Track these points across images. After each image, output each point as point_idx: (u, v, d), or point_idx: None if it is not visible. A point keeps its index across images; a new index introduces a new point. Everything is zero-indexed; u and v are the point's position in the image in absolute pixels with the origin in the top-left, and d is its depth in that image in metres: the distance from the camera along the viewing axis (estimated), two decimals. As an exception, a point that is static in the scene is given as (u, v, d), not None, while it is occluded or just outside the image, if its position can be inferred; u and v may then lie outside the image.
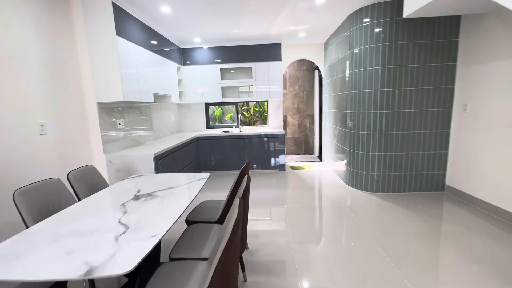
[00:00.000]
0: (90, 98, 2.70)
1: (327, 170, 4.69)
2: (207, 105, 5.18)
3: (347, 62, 3.52)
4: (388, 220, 2.64)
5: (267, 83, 4.67)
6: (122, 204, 1.47)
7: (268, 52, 4.60)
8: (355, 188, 3.58)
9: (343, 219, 2.71)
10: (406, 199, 3.17)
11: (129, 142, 3.28)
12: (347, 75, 3.56)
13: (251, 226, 2.61)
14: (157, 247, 1.58)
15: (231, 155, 4.64)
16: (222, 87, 4.76)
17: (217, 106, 6.04)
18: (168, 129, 4.64)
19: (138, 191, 1.69)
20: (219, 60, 4.65)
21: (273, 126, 5.15)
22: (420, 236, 2.32)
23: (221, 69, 4.72)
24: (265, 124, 5.38)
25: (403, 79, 3.10)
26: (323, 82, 5.00)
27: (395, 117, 3.18)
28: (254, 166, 4.65)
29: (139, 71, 3.04)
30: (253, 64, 4.63)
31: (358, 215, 2.76)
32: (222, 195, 3.48)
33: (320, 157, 5.75)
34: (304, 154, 6.19)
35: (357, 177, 3.53)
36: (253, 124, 6.05)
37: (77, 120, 2.58)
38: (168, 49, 4.07)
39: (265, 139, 4.55)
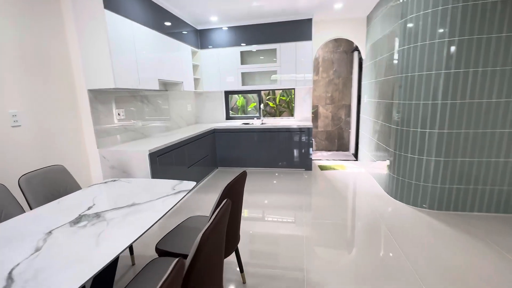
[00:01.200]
0: (81, 85, 2.37)
1: (363, 172, 3.90)
2: (227, 93, 4.68)
3: (397, 36, 2.68)
4: (447, 253, 1.88)
5: (294, 68, 3.98)
6: (49, 232, 1.04)
7: (296, 30, 3.88)
8: (400, 201, 2.80)
9: (379, 246, 2.02)
10: (474, 222, 2.32)
11: (132, 135, 2.95)
12: (395, 54, 2.73)
13: (252, 247, 2.08)
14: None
15: (249, 151, 4.12)
16: (242, 73, 4.20)
17: (239, 95, 5.52)
18: (184, 120, 4.27)
19: (89, 208, 1.26)
20: (239, 42, 4.08)
21: (300, 118, 4.47)
22: (495, 282, 1.55)
23: (242, 52, 4.14)
24: (292, 115, 4.72)
25: (481, 56, 2.20)
26: (364, 65, 4.12)
27: (465, 109, 2.31)
28: (279, 164, 4.06)
29: (139, 54, 2.63)
30: (278, 46, 3.97)
31: (402, 241, 2.04)
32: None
33: (355, 155, 4.91)
34: (337, 150, 5.40)
35: (403, 187, 2.75)
36: (279, 116, 5.42)
37: (65, 110, 2.28)
38: (181, 30, 3.62)
39: (290, 133, 3.92)
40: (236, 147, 4.15)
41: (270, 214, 2.64)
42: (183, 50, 3.64)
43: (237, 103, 5.47)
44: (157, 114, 3.50)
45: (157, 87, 2.95)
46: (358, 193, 3.15)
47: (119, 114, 2.75)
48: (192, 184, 1.57)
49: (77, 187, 1.75)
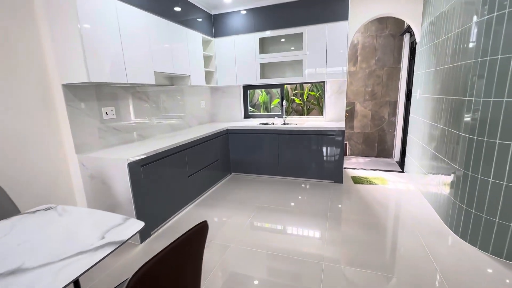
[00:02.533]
0: (54, 79, 1.99)
1: (412, 190, 3.01)
2: (246, 88, 4.10)
3: (474, 3, 1.80)
4: None
5: (324, 56, 3.22)
6: None
7: (327, 8, 3.11)
8: (471, 243, 1.94)
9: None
10: None
11: (123, 138, 2.55)
12: (472, 28, 1.85)
13: (251, 302, 1.48)
14: None
15: (267, 155, 3.50)
16: (261, 64, 3.57)
17: (262, 90, 4.89)
18: (196, 118, 3.81)
19: None
20: (257, 27, 3.45)
21: (330, 117, 3.69)
22: None
23: (260, 39, 3.51)
24: (322, 114, 3.95)
25: None
26: (418, 51, 3.18)
27: None
28: (303, 173, 3.38)
29: (127, 41, 2.18)
30: (304, 29, 3.24)
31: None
32: (235, 214, 2.43)
33: (401, 164, 3.97)
34: (376, 157, 4.49)
35: (476, 224, 1.89)
36: (307, 114, 4.68)
37: (35, 108, 1.92)
38: (190, 15, 3.11)
39: (316, 136, 3.20)
40: (252, 151, 3.56)
41: (279, 248, 2.01)
42: (192, 38, 3.14)
43: (259, 99, 4.86)
44: (161, 113, 3.08)
45: (152, 81, 2.49)
46: (405, 223, 2.34)
47: (106, 113, 2.35)
48: (135, 228, 1.03)
49: (13, 212, 1.34)
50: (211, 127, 3.48)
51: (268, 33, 3.41)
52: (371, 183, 3.21)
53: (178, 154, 2.55)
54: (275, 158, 3.47)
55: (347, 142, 4.63)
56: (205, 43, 3.70)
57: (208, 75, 3.78)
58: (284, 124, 3.75)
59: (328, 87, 3.62)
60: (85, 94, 2.16)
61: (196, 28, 3.25)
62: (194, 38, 3.19)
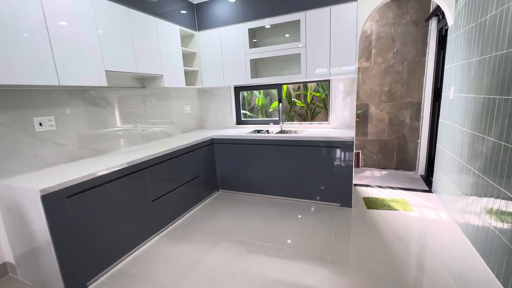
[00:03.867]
0: (-46, 81, 1.51)
1: (445, 221, 2.29)
2: (238, 89, 3.52)
3: None
4: None
5: (327, 49, 2.58)
6: None
7: (330, -13, 2.47)
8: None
9: None
10: None
11: (72, 153, 2.04)
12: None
13: None
14: None
15: (260, 170, 2.89)
16: (251, 61, 2.98)
17: (261, 92, 4.29)
18: (179, 126, 3.28)
19: None
20: (246, 16, 2.86)
21: (337, 124, 3.03)
22: None
23: (250, 31, 2.92)
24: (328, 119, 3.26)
25: None
26: (450, 38, 2.46)
27: None
28: (302, 193, 2.74)
29: (60, 29, 1.67)
30: (302, 15, 2.62)
31: None
32: (206, 254, 1.84)
33: (427, 180, 3.22)
34: (395, 169, 3.74)
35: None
36: (312, 119, 4.02)
37: None
38: (162, 1, 2.59)
39: (319, 148, 2.56)
40: (242, 164, 2.97)
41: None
42: (164, 30, 2.61)
43: (256, 102, 4.26)
44: (129, 121, 2.56)
45: (103, 83, 1.97)
46: (435, 274, 1.64)
47: (41, 124, 1.85)
48: None
49: None
50: (194, 137, 2.93)
51: (258, 23, 2.82)
52: (389, 207, 2.51)
53: (136, 174, 2.01)
54: (269, 174, 2.85)
55: (360, 151, 3.92)
56: (187, 38, 3.16)
57: (192, 75, 3.24)
58: (280, 132, 3.13)
59: (333, 87, 2.96)
60: (8, 101, 1.67)
61: (171, 19, 2.72)
62: (168, 31, 2.65)
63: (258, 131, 3.19)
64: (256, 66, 3.24)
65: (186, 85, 3.16)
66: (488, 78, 1.72)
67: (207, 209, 2.74)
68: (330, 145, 2.50)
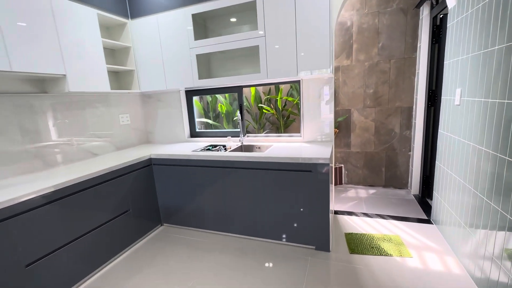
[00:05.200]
0: None
1: (455, 275, 1.66)
2: (190, 94, 2.82)
3: None
4: None
5: (292, 39, 1.93)
6: None
7: (293, -45, 1.84)
8: None
9: None
10: None
11: None
12: None
13: None
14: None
15: (212, 201, 2.20)
16: (199, 56, 2.29)
17: (227, 96, 3.61)
18: (112, 142, 2.53)
19: None
20: (189, -2, 2.19)
21: (311, 136, 2.38)
22: None
23: (196, 18, 2.23)
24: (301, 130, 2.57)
25: None
26: (451, 24, 1.86)
27: None
28: (265, 231, 2.06)
29: None
30: (259, -6, 1.97)
31: None
32: None
33: (422, 201, 2.62)
34: (384, 186, 3.15)
35: None
36: (285, 128, 3.37)
37: None
38: (62, -25, 1.86)
39: (285, 172, 1.89)
40: (190, 192, 2.26)
41: None
42: (73, 14, 1.88)
43: (219, 108, 3.57)
44: (24, 141, 1.80)
45: None
46: None
47: None
48: None
49: None
50: (130, 155, 2.20)
51: (204, 6, 2.14)
52: (380, 251, 1.87)
53: (8, 221, 1.26)
54: (223, 205, 2.16)
55: (342, 165, 3.30)
56: (116, 28, 2.44)
57: (125, 76, 2.52)
58: (240, 148, 2.45)
59: (305, 90, 2.32)
60: None
61: (88, 1, 1.99)
62: (76, 14, 1.92)
63: (213, 147, 2.50)
64: (209, 63, 2.55)
65: (115, 88, 2.44)
66: (504, 76, 1.11)
67: (139, 255, 2.01)
68: (299, 168, 1.83)
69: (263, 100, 3.47)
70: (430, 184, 2.72)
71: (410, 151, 2.95)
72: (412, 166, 2.90)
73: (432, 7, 2.44)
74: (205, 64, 2.48)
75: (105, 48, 2.37)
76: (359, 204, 2.73)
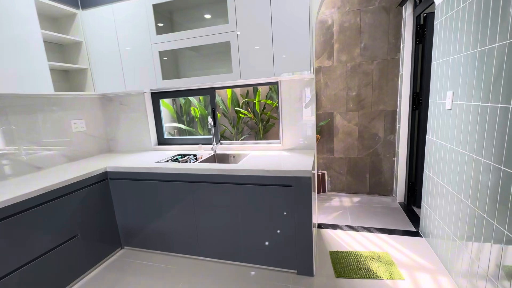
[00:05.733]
0: None
1: (449, 293, 1.49)
2: (157, 96, 2.51)
3: None
4: None
5: (268, 36, 1.70)
6: None
7: None
8: None
9: None
10: None
11: None
12: None
13: None
14: None
15: (179, 220, 1.90)
16: (163, 54, 1.99)
17: (201, 98, 3.32)
18: (63, 152, 2.16)
19: None
20: (149, -15, 1.89)
21: (291, 143, 2.15)
22: None
23: (156, 8, 1.94)
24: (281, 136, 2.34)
25: None
26: (439, 21, 1.71)
27: None
28: (240, 253, 1.79)
29: None
30: (229, -18, 1.72)
31: None
32: None
33: (408, 208, 2.48)
34: (369, 194, 2.99)
35: None
36: (265, 134, 3.14)
37: None
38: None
39: (261, 187, 1.64)
40: (154, 211, 1.95)
41: None
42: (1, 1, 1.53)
43: (193, 112, 3.27)
44: None
45: None
46: None
47: None
48: None
49: None
50: (83, 167, 1.85)
51: (167, -5, 1.85)
52: (369, 274, 1.66)
53: None
54: (193, 224, 1.87)
55: (325, 172, 3.12)
56: (65, 20, 2.10)
57: (77, 76, 2.17)
58: (212, 158, 2.18)
59: (284, 92, 2.09)
60: None
61: (14, -18, 1.64)
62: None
63: (183, 156, 2.20)
64: (177, 62, 2.26)
65: (65, 90, 2.09)
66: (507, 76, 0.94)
67: (94, 286, 1.67)
68: (277, 182, 1.59)
69: (240, 103, 3.22)
70: (415, 191, 2.59)
71: (394, 156, 2.82)
72: (396, 172, 2.77)
73: (415, 6, 2.32)
74: (172, 63, 2.19)
75: (49, 43, 2.03)
76: (343, 214, 2.54)
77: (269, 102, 2.92)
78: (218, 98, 3.25)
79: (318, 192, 3.12)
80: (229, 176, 1.68)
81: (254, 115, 3.07)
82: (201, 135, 3.31)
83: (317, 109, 2.98)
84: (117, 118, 2.57)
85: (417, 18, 2.31)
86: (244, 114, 3.02)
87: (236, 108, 3.06)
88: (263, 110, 3.09)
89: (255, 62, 1.75)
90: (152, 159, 2.12)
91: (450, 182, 1.58)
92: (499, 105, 1.13)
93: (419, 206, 2.55)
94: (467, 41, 1.37)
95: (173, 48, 1.91)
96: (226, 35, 1.77)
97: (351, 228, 2.25)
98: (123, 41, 2.01)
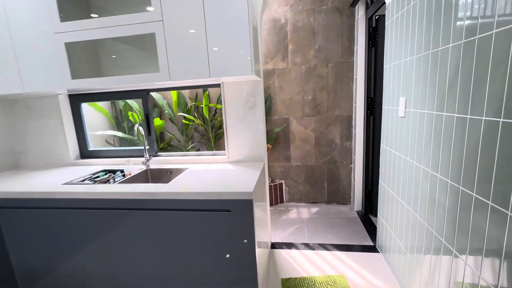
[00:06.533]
0: None
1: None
2: (76, 99, 2.06)
3: None
4: None
5: (201, 29, 1.40)
6: None
7: None
8: None
9: None
10: None
11: None
12: None
13: None
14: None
15: (96, 256, 1.49)
16: (68, 46, 1.58)
17: (140, 103, 2.89)
18: None
19: None
20: (48, -42, 1.47)
21: (239, 154, 1.88)
22: None
23: (59, -12, 1.53)
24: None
25: None
26: (390, 21, 1.58)
27: None
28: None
29: None
30: (150, -40, 1.39)
31: None
32: None
33: (365, 218, 2.37)
34: (327, 203, 2.86)
35: None
36: (217, 141, 2.84)
37: None
38: None
39: (194, 213, 1.32)
40: (62, 246, 1.52)
41: None
42: None
43: (130, 117, 2.82)
44: None
45: None
46: None
47: None
48: None
49: None
50: None
51: (72, -28, 1.46)
52: (322, 303, 1.45)
53: None
54: (112, 261, 1.48)
55: (283, 181, 2.91)
56: None
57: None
58: (144, 173, 1.81)
59: (228, 96, 1.81)
60: None
61: None
62: None
63: (106, 173, 1.80)
64: (96, 57, 1.85)
65: None
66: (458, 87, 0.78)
67: None
68: (213, 206, 1.30)
69: (189, 105, 2.86)
70: (372, 200, 2.50)
71: (351, 163, 2.72)
72: (354, 180, 2.66)
73: (367, 7, 2.22)
74: (88, 57, 1.78)
75: None
76: (300, 229, 2.34)
77: (219, 106, 2.62)
78: (163, 102, 2.86)
79: (276, 203, 2.90)
80: (153, 201, 1.34)
81: (203, 121, 2.75)
82: (138, 145, 2.88)
83: (272, 114, 2.77)
84: (25, 125, 2.05)
85: (369, 20, 2.21)
86: (188, 121, 2.68)
87: (180, 113, 2.70)
88: (214, 115, 2.78)
89: (187, 59, 1.45)
90: (65, 178, 1.68)
91: (406, 198, 1.44)
92: (455, 114, 0.98)
93: (376, 215, 2.46)
94: (419, 42, 1.23)
95: (84, 39, 1.51)
96: (149, 26, 1.43)
97: (307, 246, 2.04)
98: (16, 28, 1.55)
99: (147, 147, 1.96)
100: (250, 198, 1.25)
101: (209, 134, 2.79)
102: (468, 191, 0.92)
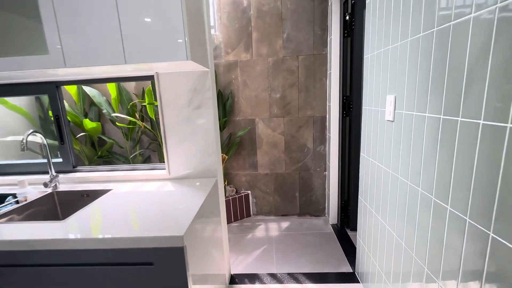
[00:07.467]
0: None
1: None
2: (-47, 96, 1.46)
3: None
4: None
5: (112, -13, 0.94)
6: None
7: None
8: None
9: None
10: None
11: None
12: None
13: None
14: None
15: None
16: None
17: (75, 99, 2.31)
18: None
19: None
20: None
21: (184, 168, 1.44)
22: None
23: None
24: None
25: None
26: (369, 1, 1.24)
27: None
28: None
29: None
30: None
31: None
32: None
33: (341, 234, 2.05)
34: (299, 215, 2.52)
35: None
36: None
37: None
38: None
39: (101, 268, 0.86)
40: None
41: None
42: None
43: (69, 117, 2.23)
44: None
45: None
46: None
47: None
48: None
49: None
50: None
51: None
52: None
53: None
54: None
55: (249, 192, 2.52)
56: None
57: None
58: (48, 198, 1.29)
59: (165, 91, 1.36)
60: None
61: None
62: None
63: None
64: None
65: None
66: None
67: None
68: (127, 259, 0.85)
69: (129, 106, 2.35)
70: (349, 212, 2.20)
71: (325, 170, 2.40)
72: (328, 190, 2.34)
73: (342, -11, 1.89)
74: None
75: None
76: (267, 252, 1.96)
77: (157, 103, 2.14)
78: (101, 99, 2.31)
79: (242, 217, 2.50)
80: (38, 253, 0.86)
81: (151, 123, 2.25)
82: (84, 153, 2.31)
83: (235, 114, 2.35)
84: None
85: (344, 5, 1.89)
86: (120, 124, 2.17)
87: (114, 114, 2.17)
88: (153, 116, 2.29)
89: (91, 37, 0.97)
90: None
91: (393, 224, 1.11)
92: (481, 121, 0.64)
93: (353, 229, 2.16)
94: (417, 17, 0.89)
95: None
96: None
97: (275, 278, 1.66)
98: None
99: (59, 159, 1.44)
100: (181, 246, 0.83)
101: (158, 139, 2.30)
102: (485, 229, 0.58)
